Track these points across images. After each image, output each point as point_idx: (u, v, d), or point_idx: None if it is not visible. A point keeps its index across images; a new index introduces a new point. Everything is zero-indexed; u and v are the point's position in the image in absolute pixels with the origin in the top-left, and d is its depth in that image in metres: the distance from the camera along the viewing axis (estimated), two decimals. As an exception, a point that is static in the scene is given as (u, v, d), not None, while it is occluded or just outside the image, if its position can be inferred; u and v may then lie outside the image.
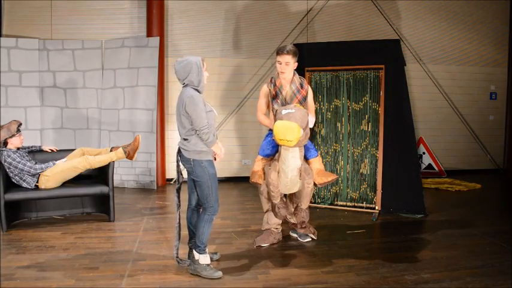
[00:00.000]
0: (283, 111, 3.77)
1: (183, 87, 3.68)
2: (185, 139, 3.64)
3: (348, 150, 5.82)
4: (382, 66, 5.64)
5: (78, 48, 7.37)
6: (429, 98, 8.46)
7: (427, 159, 8.24)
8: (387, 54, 5.70)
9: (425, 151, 8.25)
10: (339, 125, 5.84)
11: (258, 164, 4.32)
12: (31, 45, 7.21)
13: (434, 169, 8.22)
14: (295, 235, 4.65)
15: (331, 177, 4.31)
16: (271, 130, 4.25)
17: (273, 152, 4.26)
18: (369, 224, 5.22)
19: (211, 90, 7.68)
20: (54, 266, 3.86)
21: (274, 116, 4.00)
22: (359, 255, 4.16)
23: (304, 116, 3.78)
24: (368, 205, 5.71)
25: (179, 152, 3.73)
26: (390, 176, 5.57)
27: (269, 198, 4.23)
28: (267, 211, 4.48)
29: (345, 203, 5.85)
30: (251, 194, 6.89)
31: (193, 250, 3.74)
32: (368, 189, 5.73)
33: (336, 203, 5.88)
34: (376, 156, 5.66)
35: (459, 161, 8.70)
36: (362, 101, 5.75)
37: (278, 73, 4.29)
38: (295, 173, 4.00)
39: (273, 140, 4.04)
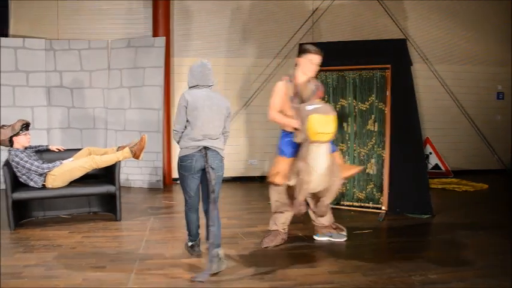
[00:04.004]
0: (310, 107, 3.81)
1: (209, 88, 3.91)
2: (217, 138, 3.83)
3: (354, 150, 5.81)
4: (389, 66, 5.62)
5: (85, 48, 7.40)
6: (435, 97, 8.43)
7: (433, 160, 8.21)
8: (394, 54, 5.68)
9: (431, 151, 8.22)
10: (345, 125, 5.83)
11: (282, 164, 4.16)
12: (38, 46, 7.24)
13: (441, 169, 8.19)
14: (324, 238, 4.51)
15: (355, 169, 4.32)
16: (284, 130, 4.23)
17: (294, 152, 4.13)
18: (375, 224, 5.20)
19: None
20: (62, 264, 3.87)
21: (296, 114, 3.99)
22: (365, 255, 4.15)
23: (333, 110, 3.88)
24: (374, 205, 5.69)
25: (206, 152, 3.75)
26: (397, 176, 5.55)
27: (290, 196, 4.18)
28: (275, 212, 4.45)
29: (351, 203, 5.83)
30: (257, 193, 6.89)
31: (216, 249, 3.64)
32: (374, 189, 5.71)
33: (342, 203, 5.87)
34: (383, 156, 5.64)
35: (466, 161, 8.66)
36: (368, 101, 5.73)
37: (297, 72, 4.24)
38: (324, 170, 3.94)
39: (292, 140, 4.05)
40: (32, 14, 7.48)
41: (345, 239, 4.52)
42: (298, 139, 3.96)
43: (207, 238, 3.76)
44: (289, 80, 4.26)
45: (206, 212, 3.91)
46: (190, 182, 3.83)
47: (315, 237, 4.59)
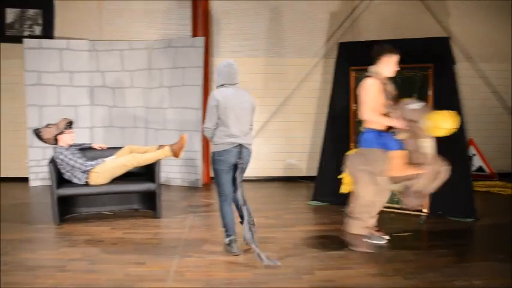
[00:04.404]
0: (417, 105, 4.08)
1: (236, 86, 4.15)
2: (248, 134, 4.14)
3: (395, 150, 5.68)
4: (431, 65, 5.48)
5: (126, 49, 7.57)
6: (480, 97, 8.15)
7: (477, 162, 7.95)
8: (436, 53, 5.53)
9: (475, 153, 7.96)
10: (385, 125, 5.72)
11: (400, 159, 4.19)
12: (81, 47, 7.46)
13: (485, 172, 7.92)
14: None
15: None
16: (372, 128, 4.21)
17: (400, 146, 4.22)
18: (416, 227, 5.08)
19: (256, 89, 7.69)
20: (104, 259, 3.98)
21: (399, 113, 4.10)
22: (406, 258, 4.06)
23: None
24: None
25: (241, 150, 4.04)
26: (439, 178, 5.39)
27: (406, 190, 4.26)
28: (365, 214, 4.29)
29: (391, 205, 5.71)
30: (295, 193, 6.86)
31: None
32: (415, 191, 5.57)
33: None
34: (424, 158, 5.49)
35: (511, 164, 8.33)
36: (409, 101, 5.60)
37: (380, 70, 4.23)
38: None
39: (393, 136, 4.17)
40: (76, 16, 7.71)
41: (384, 242, 4.45)
42: (402, 136, 4.14)
43: (242, 219, 4.14)
44: (380, 79, 4.22)
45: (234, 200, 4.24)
46: (225, 175, 4.09)
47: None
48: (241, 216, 4.15)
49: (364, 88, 4.20)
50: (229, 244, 4.10)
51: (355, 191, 4.30)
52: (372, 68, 4.28)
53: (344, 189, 4.71)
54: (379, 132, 4.19)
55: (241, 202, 4.06)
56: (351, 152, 4.59)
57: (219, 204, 4.17)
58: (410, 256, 4.13)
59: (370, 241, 4.45)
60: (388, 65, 4.22)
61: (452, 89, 5.47)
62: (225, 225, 4.15)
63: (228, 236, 4.13)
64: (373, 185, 4.14)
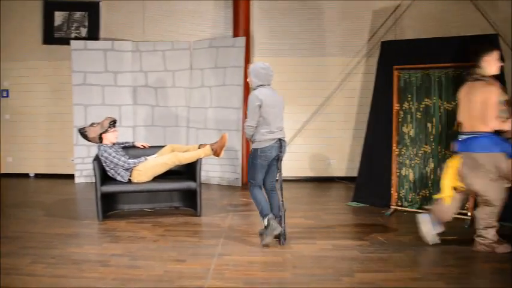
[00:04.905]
0: None
1: (270, 86, 4.41)
2: (283, 129, 4.42)
3: (439, 152, 5.53)
4: (478, 63, 5.29)
5: (168, 49, 7.70)
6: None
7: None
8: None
9: (524, 155, 7.64)
10: (429, 125, 5.57)
11: None
12: (125, 47, 7.65)
13: (535, 175, 7.58)
14: (426, 217, 4.44)
15: None
16: (488, 133, 4.11)
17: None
18: (461, 231, 4.91)
19: (296, 89, 7.68)
20: (145, 256, 4.06)
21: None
22: (449, 263, 3.93)
23: None
24: (460, 211, 5.37)
25: (281, 143, 4.32)
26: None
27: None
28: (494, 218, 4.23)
29: (434, 208, 5.55)
30: (334, 194, 6.81)
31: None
32: (460, 194, 5.39)
33: (424, 207, 5.60)
34: (470, 159, 5.31)
35: None
36: (455, 101, 5.43)
37: (487, 72, 4.15)
38: None
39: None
40: (120, 18, 7.91)
41: (435, 241, 4.37)
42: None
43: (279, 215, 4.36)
44: (487, 80, 4.12)
45: (272, 190, 4.50)
46: (263, 168, 4.36)
47: (420, 215, 4.52)
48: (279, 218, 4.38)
49: (485, 93, 4.07)
50: (268, 224, 4.22)
51: (487, 201, 4.16)
52: (478, 71, 4.18)
53: (447, 200, 4.46)
54: (496, 136, 4.09)
55: (282, 198, 4.31)
56: (456, 160, 4.37)
57: (250, 189, 4.41)
58: (454, 261, 4.00)
59: (431, 228, 4.39)
60: (491, 64, 4.12)
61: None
62: (261, 209, 4.31)
63: (265, 216, 4.25)
64: (502, 189, 4.11)
